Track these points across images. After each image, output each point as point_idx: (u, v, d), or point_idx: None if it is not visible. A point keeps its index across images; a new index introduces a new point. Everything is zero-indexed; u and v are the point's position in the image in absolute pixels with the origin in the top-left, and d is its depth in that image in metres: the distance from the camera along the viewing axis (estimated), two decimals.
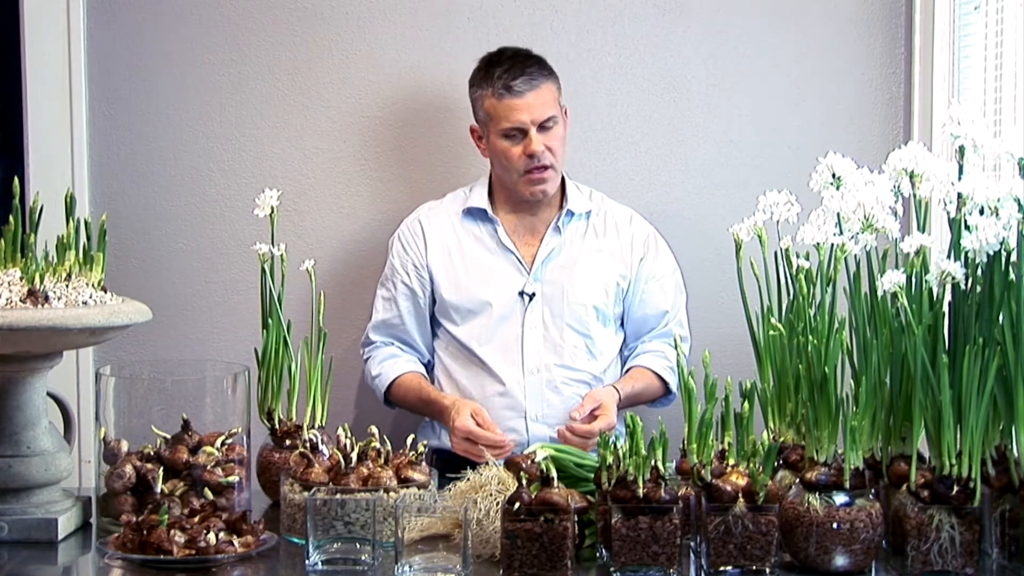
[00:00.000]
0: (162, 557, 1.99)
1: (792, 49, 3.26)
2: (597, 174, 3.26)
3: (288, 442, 2.41)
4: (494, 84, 2.91)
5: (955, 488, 1.92)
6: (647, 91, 3.28)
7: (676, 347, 2.24)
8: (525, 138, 2.89)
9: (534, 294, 2.94)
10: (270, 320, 2.46)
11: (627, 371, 3.01)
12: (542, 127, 2.89)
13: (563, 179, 3.02)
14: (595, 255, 2.99)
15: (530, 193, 2.94)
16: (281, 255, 2.51)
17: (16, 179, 2.30)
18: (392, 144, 3.28)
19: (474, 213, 3.02)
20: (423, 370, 3.04)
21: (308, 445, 2.25)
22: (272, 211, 2.53)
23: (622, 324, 3.04)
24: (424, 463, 2.23)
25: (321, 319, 2.51)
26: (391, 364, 3.01)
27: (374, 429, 2.30)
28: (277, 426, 2.44)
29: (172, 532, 2.01)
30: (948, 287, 1.99)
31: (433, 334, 3.05)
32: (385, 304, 3.04)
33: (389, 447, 2.23)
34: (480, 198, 3.01)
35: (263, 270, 2.48)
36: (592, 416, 2.74)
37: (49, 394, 2.31)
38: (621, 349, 3.05)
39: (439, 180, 3.21)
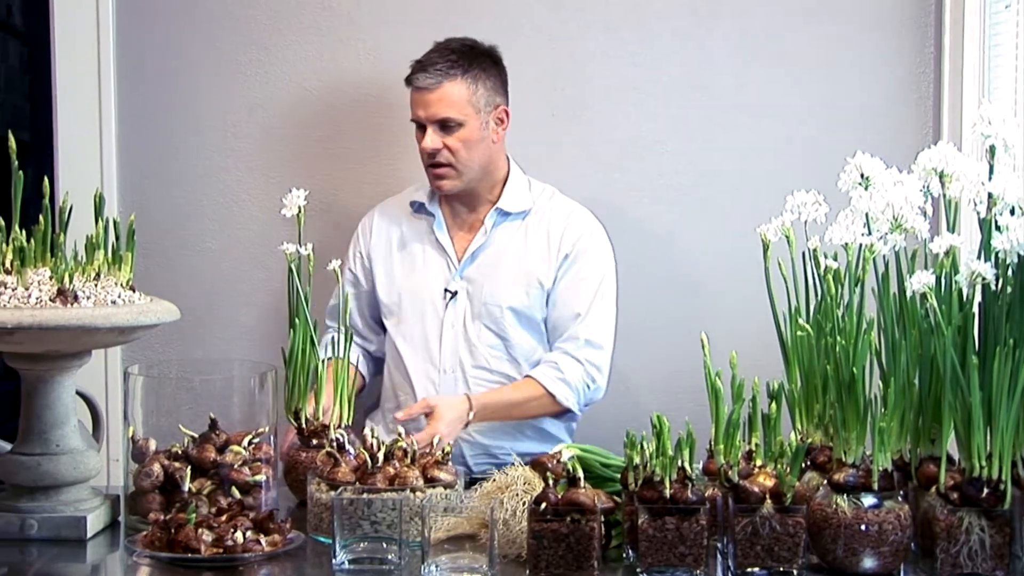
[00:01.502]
0: (190, 556, 2.00)
1: (820, 49, 3.25)
2: (623, 173, 3.26)
3: (315, 441, 2.42)
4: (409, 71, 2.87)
5: (985, 490, 1.91)
6: (674, 90, 3.27)
7: (704, 349, 2.18)
8: (425, 132, 2.85)
9: (456, 292, 2.90)
10: (297, 320, 2.47)
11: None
12: (443, 126, 2.83)
13: (508, 176, 2.95)
14: (521, 256, 2.90)
15: (432, 186, 2.90)
16: (308, 255, 2.51)
17: (46, 179, 2.31)
18: None
19: (417, 206, 2.99)
20: (354, 360, 2.89)
21: (335, 444, 2.25)
22: (300, 211, 2.53)
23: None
24: (451, 463, 2.24)
25: (347, 319, 2.51)
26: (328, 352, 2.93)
27: (401, 429, 2.30)
28: (304, 425, 2.45)
29: (200, 531, 2.02)
30: (978, 288, 1.97)
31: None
32: (337, 289, 2.94)
33: (415, 446, 2.23)
34: (422, 191, 2.97)
35: (290, 270, 2.49)
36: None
37: (78, 393, 2.33)
38: None
39: None
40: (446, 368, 2.89)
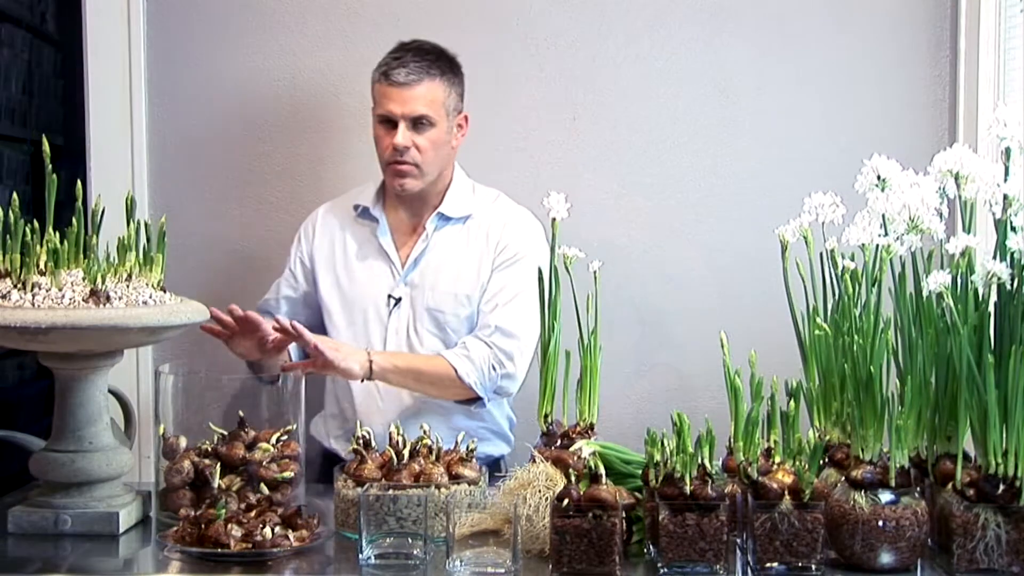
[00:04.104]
0: (219, 551, 2.03)
1: (837, 52, 3.26)
2: (643, 175, 3.28)
3: (560, 442, 2.26)
4: (379, 67, 2.84)
5: (1001, 487, 1.93)
6: (694, 94, 3.29)
7: (723, 348, 2.19)
8: (395, 129, 2.79)
9: (400, 298, 2.85)
10: (555, 323, 2.30)
11: None
12: (416, 124, 2.79)
13: (451, 181, 2.92)
14: (461, 261, 2.87)
15: (391, 185, 2.85)
16: (567, 256, 2.31)
17: (79, 182, 2.35)
18: None
19: (361, 210, 2.94)
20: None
21: (361, 442, 2.28)
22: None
23: None
24: (475, 460, 2.27)
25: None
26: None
27: (426, 426, 2.33)
28: (552, 429, 2.31)
29: (229, 526, 2.05)
30: (994, 287, 1.99)
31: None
32: (271, 288, 3.00)
33: (441, 444, 2.27)
34: (367, 194, 2.94)
35: (539, 273, 2.31)
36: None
37: (110, 391, 2.37)
38: None
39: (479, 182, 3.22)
40: None
